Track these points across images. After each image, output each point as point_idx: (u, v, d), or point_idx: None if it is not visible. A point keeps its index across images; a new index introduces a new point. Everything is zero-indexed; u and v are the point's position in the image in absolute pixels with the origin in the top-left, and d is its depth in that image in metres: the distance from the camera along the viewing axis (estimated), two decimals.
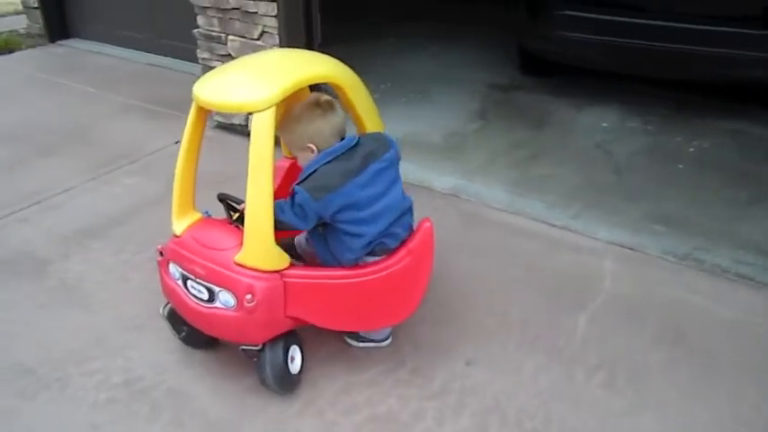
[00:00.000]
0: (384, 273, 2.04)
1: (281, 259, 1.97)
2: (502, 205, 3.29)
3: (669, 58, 4.10)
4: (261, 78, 1.94)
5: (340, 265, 2.11)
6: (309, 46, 3.73)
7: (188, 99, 2.05)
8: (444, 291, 2.68)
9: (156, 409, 2.14)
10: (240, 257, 1.94)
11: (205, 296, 2.01)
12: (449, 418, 2.10)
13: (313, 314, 2.05)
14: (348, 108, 2.14)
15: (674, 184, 3.52)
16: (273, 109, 1.86)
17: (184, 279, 2.05)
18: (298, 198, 1.96)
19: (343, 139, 2.07)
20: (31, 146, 4.00)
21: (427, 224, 2.13)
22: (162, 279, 2.17)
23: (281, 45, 3.67)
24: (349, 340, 2.35)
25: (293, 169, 2.38)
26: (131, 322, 2.50)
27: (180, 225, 2.10)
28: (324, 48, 4.35)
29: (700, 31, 3.94)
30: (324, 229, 2.09)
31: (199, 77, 2.15)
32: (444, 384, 2.23)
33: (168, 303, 2.24)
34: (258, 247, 1.93)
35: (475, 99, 4.65)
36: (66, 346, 2.41)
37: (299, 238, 2.41)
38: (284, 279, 1.97)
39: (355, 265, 2.08)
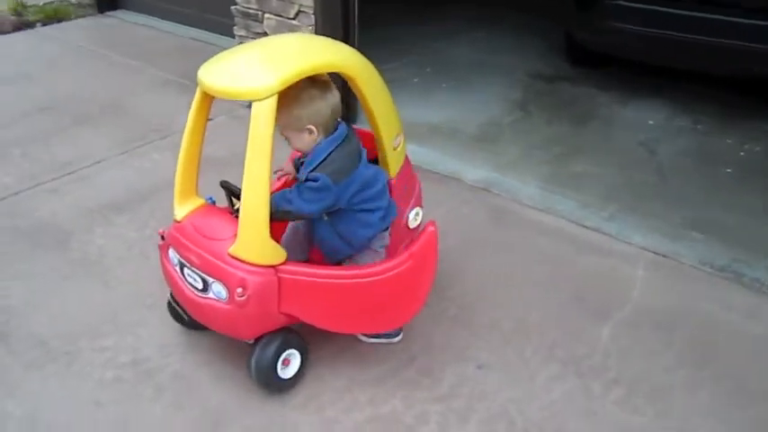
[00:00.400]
0: (384, 275, 1.97)
1: (275, 254, 1.91)
2: (533, 202, 3.16)
3: (727, 55, 3.86)
4: (264, 65, 1.87)
5: (351, 248, 2.10)
6: (346, 27, 3.65)
7: None
8: (463, 288, 2.59)
9: (159, 391, 2.13)
10: (234, 250, 1.88)
11: (200, 285, 1.97)
12: (454, 423, 2.03)
13: (307, 312, 2.00)
14: (360, 100, 2.04)
15: (719, 189, 3.33)
16: (275, 98, 1.78)
17: (181, 266, 2.02)
18: (320, 183, 1.91)
19: (338, 119, 2.02)
20: (70, 116, 4.05)
21: (431, 228, 2.04)
22: (162, 263, 2.14)
23: (317, 25, 3.59)
24: (360, 336, 2.29)
25: None
26: (146, 300, 2.50)
27: (181, 210, 2.07)
28: (365, 30, 4.27)
29: (760, 27, 3.69)
30: (330, 215, 2.04)
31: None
32: (453, 388, 2.15)
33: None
34: (252, 240, 1.87)
35: (516, 88, 4.49)
36: (81, 320, 2.42)
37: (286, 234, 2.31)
38: (279, 274, 1.91)
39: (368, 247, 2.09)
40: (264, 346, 2.00)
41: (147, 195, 3.18)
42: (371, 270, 1.98)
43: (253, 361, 2.00)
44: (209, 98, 1.96)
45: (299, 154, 2.11)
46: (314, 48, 2.01)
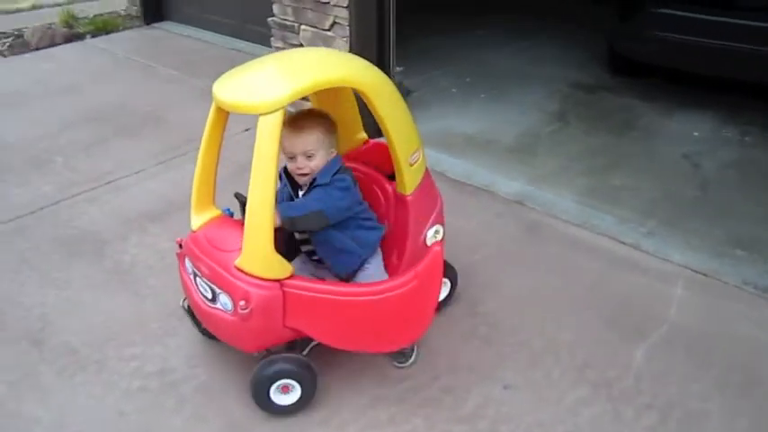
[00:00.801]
0: (386, 294, 1.94)
1: (280, 268, 1.89)
2: (569, 216, 3.08)
3: None
4: (272, 80, 1.86)
5: (360, 256, 2.12)
6: (381, 38, 3.64)
7: None
8: (494, 305, 2.53)
9: (182, 402, 2.14)
10: (239, 262, 1.88)
11: (209, 295, 1.98)
12: None
13: (312, 328, 1.97)
14: (374, 115, 2.01)
15: (765, 204, 3.18)
16: (281, 112, 1.78)
17: (195, 275, 2.03)
18: (348, 182, 2.05)
19: None
20: (112, 127, 4.15)
21: (437, 248, 1.99)
22: (180, 271, 2.16)
23: (352, 36, 3.59)
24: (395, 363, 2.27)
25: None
26: (176, 311, 2.51)
27: (197, 220, 2.09)
28: (405, 39, 4.27)
29: None
30: (337, 226, 2.07)
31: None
32: (477, 408, 2.10)
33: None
34: (256, 253, 1.86)
35: (556, 99, 4.41)
36: (111, 328, 2.46)
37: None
38: (284, 289, 1.89)
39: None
40: (261, 368, 1.98)
41: (180, 206, 3.21)
42: (375, 288, 1.96)
43: (252, 376, 2.00)
44: (224, 111, 1.97)
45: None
46: (325, 63, 1.98)
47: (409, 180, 2.11)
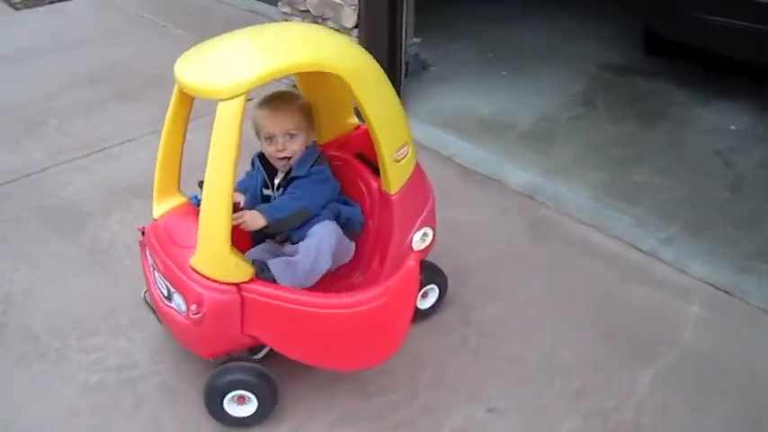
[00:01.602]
0: (351, 309, 1.74)
1: (238, 270, 1.70)
2: (581, 215, 2.83)
3: None
4: (235, 61, 1.64)
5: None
6: (393, 7, 3.35)
7: None
8: (489, 312, 2.32)
9: (140, 403, 1.99)
10: (194, 262, 1.70)
11: (165, 292, 1.81)
12: None
13: (272, 338, 1.79)
14: (357, 104, 1.78)
15: None
16: (241, 99, 1.57)
17: (153, 268, 1.86)
18: (327, 173, 1.97)
19: None
20: (113, 88, 3.98)
21: (411, 263, 1.80)
22: (142, 260, 1.99)
23: (361, 5, 3.33)
24: None
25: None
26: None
27: (159, 208, 1.92)
28: (425, 10, 3.99)
29: None
30: None
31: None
32: None
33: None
34: (211, 254, 1.68)
35: (581, 80, 4.09)
36: (77, 314, 2.31)
37: (256, 253, 2.07)
38: (242, 293, 1.70)
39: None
40: (214, 377, 1.82)
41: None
42: (339, 301, 1.76)
43: (205, 383, 1.83)
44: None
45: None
46: (299, 43, 1.74)
47: (394, 178, 1.89)
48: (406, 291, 1.78)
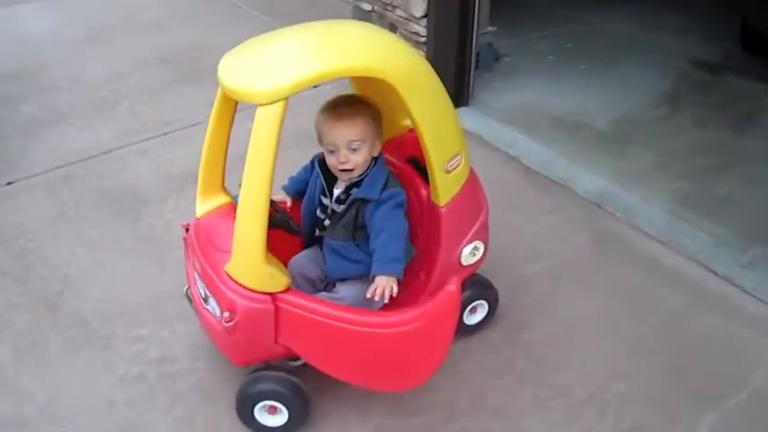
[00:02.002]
0: (383, 330, 1.66)
1: (273, 281, 1.63)
2: (654, 229, 2.62)
3: None
4: (277, 64, 1.55)
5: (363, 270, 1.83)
6: None
7: None
8: (541, 333, 2.19)
9: (176, 401, 1.99)
10: (229, 268, 1.65)
11: (203, 294, 1.77)
12: None
13: (305, 350, 1.73)
14: (407, 112, 1.66)
15: None
16: (281, 104, 1.48)
17: (194, 267, 1.83)
18: (402, 196, 1.79)
19: None
20: (184, 71, 4.01)
21: (451, 287, 1.67)
22: (185, 257, 1.96)
23: None
24: None
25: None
26: None
27: (202, 207, 1.87)
28: None
29: None
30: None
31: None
32: None
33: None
34: (246, 262, 1.62)
35: (669, 77, 3.80)
36: (126, 301, 2.34)
37: (299, 261, 2.01)
38: (277, 303, 1.64)
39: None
40: (245, 385, 1.78)
41: (228, 170, 3.01)
42: (374, 320, 1.68)
43: (237, 390, 1.80)
44: None
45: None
46: (345, 46, 1.62)
47: (444, 189, 1.77)
48: (444, 316, 1.67)
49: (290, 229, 1.87)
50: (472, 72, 3.42)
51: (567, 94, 3.65)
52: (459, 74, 3.35)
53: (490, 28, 4.09)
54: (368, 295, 1.66)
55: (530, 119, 3.40)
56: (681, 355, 2.09)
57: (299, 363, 1.92)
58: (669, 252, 2.51)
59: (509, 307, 2.26)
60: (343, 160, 1.76)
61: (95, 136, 3.39)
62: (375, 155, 1.81)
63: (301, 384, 1.79)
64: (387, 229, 1.74)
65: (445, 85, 1.72)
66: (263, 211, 1.55)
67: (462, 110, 3.42)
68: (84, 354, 2.16)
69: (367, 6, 3.56)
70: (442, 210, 1.79)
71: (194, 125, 3.42)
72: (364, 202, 1.77)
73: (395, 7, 3.33)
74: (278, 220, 1.83)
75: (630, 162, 3.06)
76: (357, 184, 1.80)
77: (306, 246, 2.01)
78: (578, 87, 3.72)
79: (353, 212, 1.79)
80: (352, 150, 1.75)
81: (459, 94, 3.41)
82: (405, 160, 1.90)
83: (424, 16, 3.19)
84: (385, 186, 1.78)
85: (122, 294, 2.37)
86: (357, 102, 1.82)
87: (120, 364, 2.11)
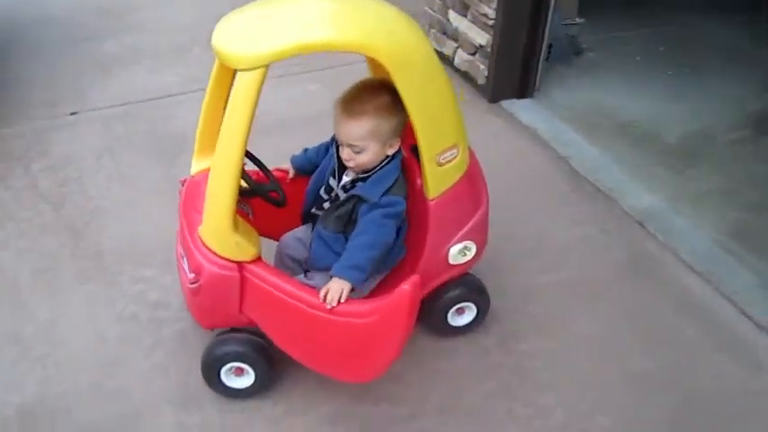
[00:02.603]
0: (336, 317, 1.61)
1: (238, 250, 1.61)
2: (694, 259, 2.39)
3: None
4: (264, 31, 1.50)
5: None
6: None
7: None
8: (535, 347, 2.06)
9: (157, 345, 2.04)
10: (201, 230, 1.65)
11: (180, 251, 1.78)
12: None
13: (265, 323, 1.72)
14: (400, 95, 1.57)
15: None
16: (260, 71, 1.44)
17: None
18: (401, 208, 1.71)
19: None
20: None
21: (405, 287, 1.57)
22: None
23: None
24: None
25: None
26: None
27: (197, 165, 1.88)
28: None
29: None
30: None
31: None
32: None
33: None
34: (214, 228, 1.61)
35: (763, 98, 3.45)
36: (142, 243, 2.42)
37: (288, 241, 1.99)
38: (243, 272, 1.63)
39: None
40: (214, 346, 1.79)
41: (278, 127, 3.00)
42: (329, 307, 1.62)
43: (203, 352, 1.81)
44: None
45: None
46: (336, 17, 1.53)
47: (434, 182, 1.69)
48: (397, 316, 1.59)
49: (270, 200, 1.84)
50: (540, 63, 3.24)
51: (644, 100, 3.40)
52: (525, 64, 3.18)
53: (578, 19, 3.87)
54: (320, 295, 1.61)
55: (594, 120, 3.20)
56: (685, 402, 1.91)
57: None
58: (704, 286, 2.29)
59: (511, 313, 2.15)
60: (346, 158, 1.72)
61: (162, 79, 3.51)
62: (390, 153, 1.72)
63: (266, 344, 1.79)
64: (368, 233, 1.67)
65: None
66: (233, 177, 1.54)
67: (523, 102, 3.26)
68: (91, 286, 2.25)
69: None
70: (431, 203, 1.70)
71: None
72: (362, 200, 1.71)
73: None
74: (261, 189, 1.81)
75: (692, 182, 2.81)
76: (365, 179, 1.74)
77: (303, 221, 1.98)
78: (658, 94, 3.45)
79: (350, 207, 1.74)
80: (355, 152, 1.69)
81: (523, 86, 3.25)
82: (409, 147, 1.82)
83: None
84: (388, 191, 1.70)
85: (140, 234, 2.45)
86: (375, 93, 1.68)
87: (119, 301, 2.19)
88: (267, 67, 1.46)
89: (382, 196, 1.68)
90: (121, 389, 1.90)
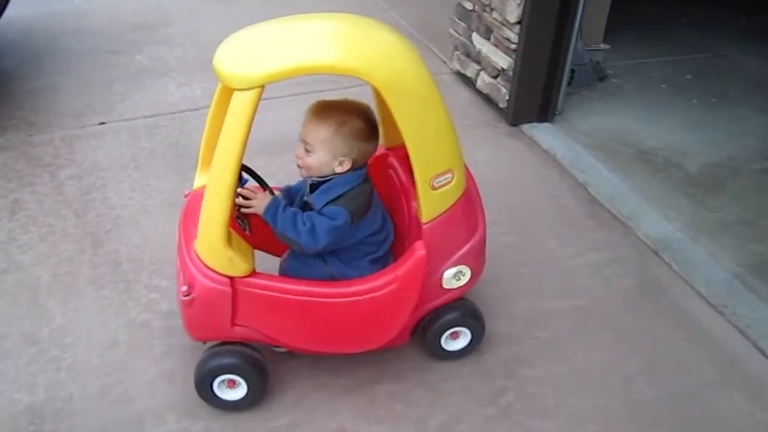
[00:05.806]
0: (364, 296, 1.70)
1: (231, 266, 1.65)
2: (709, 291, 2.36)
3: None
4: (262, 52, 1.54)
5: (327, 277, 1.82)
6: (566, 2, 3.00)
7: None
8: (542, 374, 2.04)
9: (167, 353, 2.08)
10: (195, 244, 1.69)
11: (178, 263, 1.82)
12: None
13: (271, 328, 1.77)
14: (388, 122, 1.61)
15: None
16: (255, 91, 1.48)
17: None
18: (340, 221, 1.70)
19: None
20: None
21: (421, 252, 1.65)
22: None
23: None
24: None
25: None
26: None
27: (200, 180, 1.93)
28: (624, 9, 3.59)
29: None
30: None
31: None
32: None
33: None
34: (208, 243, 1.65)
35: None
36: (160, 253, 2.45)
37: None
38: (236, 287, 1.67)
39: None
40: (207, 358, 1.81)
41: (274, 148, 3.03)
42: (351, 290, 1.72)
43: (196, 365, 1.83)
44: None
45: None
46: (332, 41, 1.57)
47: (427, 206, 1.69)
48: (415, 279, 1.69)
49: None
50: (562, 88, 3.25)
51: (666, 128, 3.38)
52: (546, 88, 3.19)
53: (603, 45, 3.87)
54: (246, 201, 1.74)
55: (614, 147, 3.19)
56: None
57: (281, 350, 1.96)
58: (718, 319, 2.26)
59: (519, 337, 2.15)
60: (297, 154, 1.77)
61: (189, 93, 3.60)
62: (338, 170, 1.73)
63: (257, 356, 1.82)
64: (305, 223, 1.70)
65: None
66: (227, 194, 1.58)
67: (543, 126, 3.26)
68: (106, 291, 2.31)
69: (468, 5, 3.47)
70: (425, 227, 1.71)
71: (277, 98, 3.51)
72: (308, 206, 1.76)
73: (492, 9, 3.22)
74: (260, 180, 1.87)
75: (711, 211, 2.78)
76: (317, 186, 1.78)
77: None
78: (681, 123, 3.43)
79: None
80: (305, 150, 1.74)
81: (544, 110, 3.25)
82: (409, 170, 1.84)
83: (518, 22, 3.05)
84: (334, 200, 1.72)
85: (157, 245, 2.50)
86: (349, 113, 1.73)
87: (133, 308, 2.24)
88: (263, 87, 1.49)
89: (325, 205, 1.71)
90: (127, 394, 1.94)
